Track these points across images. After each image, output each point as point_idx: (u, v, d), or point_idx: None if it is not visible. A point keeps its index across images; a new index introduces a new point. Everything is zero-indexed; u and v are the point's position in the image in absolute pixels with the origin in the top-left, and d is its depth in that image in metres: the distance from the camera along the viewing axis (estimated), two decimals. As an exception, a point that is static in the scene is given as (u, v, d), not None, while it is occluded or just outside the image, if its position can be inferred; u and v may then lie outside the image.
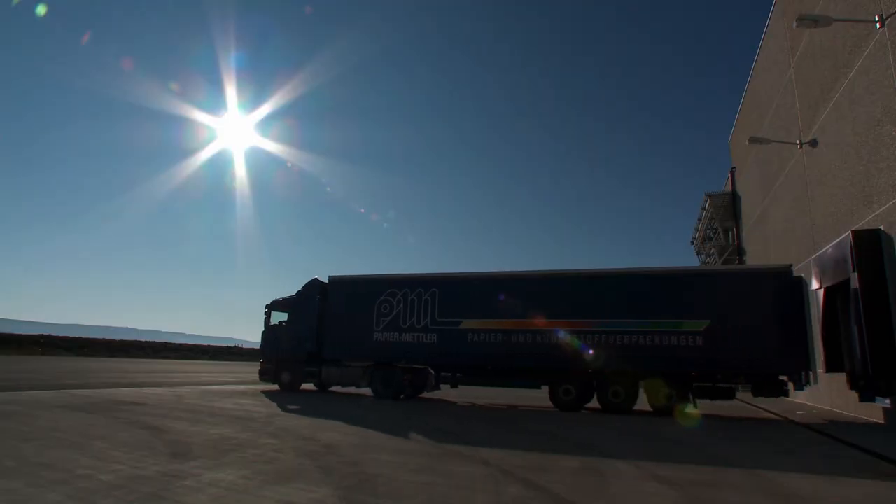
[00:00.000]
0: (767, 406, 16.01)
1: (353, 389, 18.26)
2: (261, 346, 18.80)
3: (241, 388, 19.06)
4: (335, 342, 17.20)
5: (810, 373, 12.56)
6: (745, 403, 17.78)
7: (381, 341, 16.34)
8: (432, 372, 16.51)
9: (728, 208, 29.18)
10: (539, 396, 15.60)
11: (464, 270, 15.58)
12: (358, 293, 17.17)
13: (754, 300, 12.94)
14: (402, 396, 16.52)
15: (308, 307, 17.77)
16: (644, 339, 13.50)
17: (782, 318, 12.54)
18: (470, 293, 15.78)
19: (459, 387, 16.67)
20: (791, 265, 13.29)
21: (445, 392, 18.41)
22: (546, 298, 14.87)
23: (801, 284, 12.76)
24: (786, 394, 13.28)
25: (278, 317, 18.54)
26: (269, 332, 18.44)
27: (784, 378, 12.87)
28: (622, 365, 13.68)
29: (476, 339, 15.19)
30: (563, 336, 14.27)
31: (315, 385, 18.27)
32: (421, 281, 16.36)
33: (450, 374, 16.10)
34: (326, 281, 18.14)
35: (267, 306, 18.57)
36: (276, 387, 18.24)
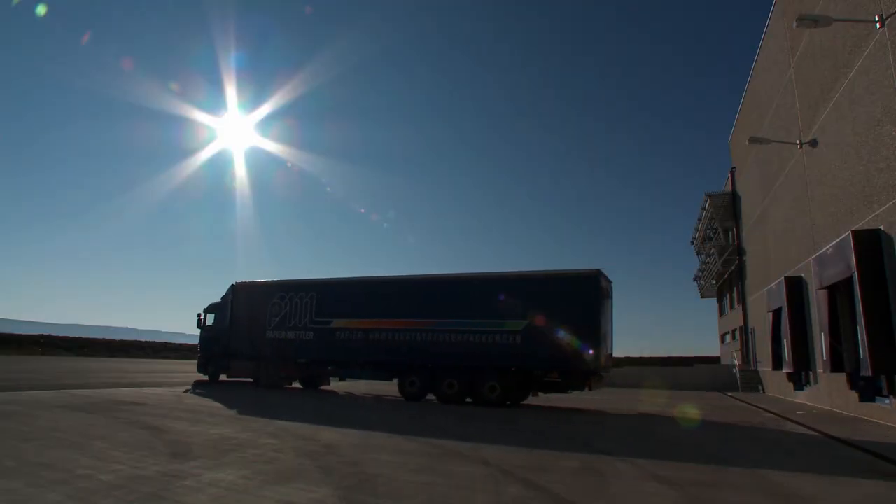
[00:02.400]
0: (767, 406, 15.99)
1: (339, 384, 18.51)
2: (198, 343, 21.46)
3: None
4: (238, 339, 19.55)
5: (600, 375, 14.25)
6: (744, 403, 17.77)
7: (272, 338, 18.55)
8: (329, 367, 18.29)
9: (728, 208, 29.15)
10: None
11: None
12: (256, 296, 19.47)
13: (561, 302, 14.34)
14: (284, 386, 19.17)
15: (224, 309, 20.25)
16: (474, 337, 15.04)
17: (581, 318, 13.97)
18: (339, 296, 17.85)
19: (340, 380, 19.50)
20: (597, 270, 14.22)
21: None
22: (396, 300, 16.77)
23: (597, 287, 14.04)
24: (590, 387, 14.25)
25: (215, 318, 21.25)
26: (204, 331, 20.99)
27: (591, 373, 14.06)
28: (456, 360, 15.29)
29: (343, 337, 17.14)
30: (409, 334, 16.05)
31: (228, 377, 20.41)
32: (303, 285, 18.56)
33: (328, 368, 18.23)
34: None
35: (204, 310, 21.03)
36: (207, 378, 20.89)
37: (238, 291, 20.09)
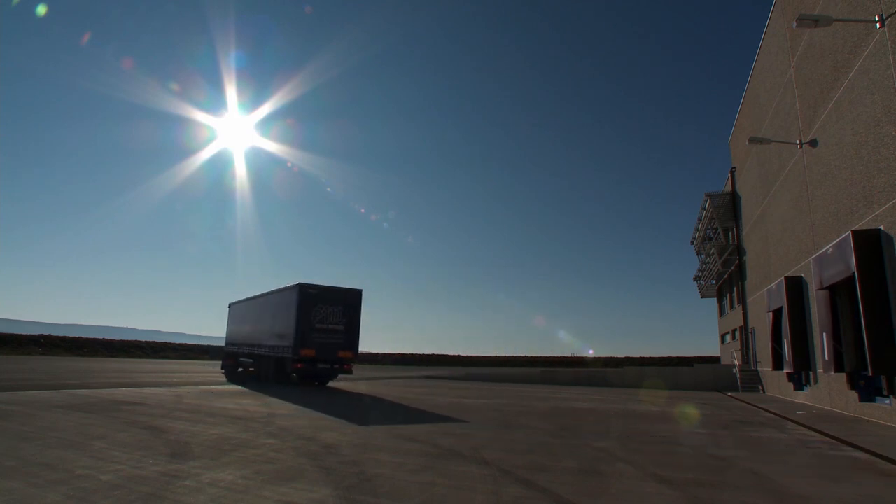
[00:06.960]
0: (767, 406, 15.99)
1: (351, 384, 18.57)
2: None
3: (241, 388, 19.08)
4: (227, 341, 28.09)
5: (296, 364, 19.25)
6: (744, 403, 17.77)
7: (230, 341, 27.12)
8: (241, 359, 25.87)
9: (728, 208, 29.14)
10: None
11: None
12: (233, 310, 27.91)
13: (283, 308, 19.93)
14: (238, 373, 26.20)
15: None
16: (265, 337, 21.69)
17: (287, 319, 19.24)
18: (249, 308, 24.81)
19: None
20: (299, 284, 19.04)
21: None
22: (252, 312, 24.12)
23: (297, 296, 18.81)
24: (295, 375, 20.80)
25: None
26: None
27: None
28: (263, 352, 21.83)
29: (244, 338, 24.80)
30: (253, 336, 23.36)
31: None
32: (244, 301, 25.96)
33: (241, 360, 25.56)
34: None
35: None
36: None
37: (229, 307, 28.59)
